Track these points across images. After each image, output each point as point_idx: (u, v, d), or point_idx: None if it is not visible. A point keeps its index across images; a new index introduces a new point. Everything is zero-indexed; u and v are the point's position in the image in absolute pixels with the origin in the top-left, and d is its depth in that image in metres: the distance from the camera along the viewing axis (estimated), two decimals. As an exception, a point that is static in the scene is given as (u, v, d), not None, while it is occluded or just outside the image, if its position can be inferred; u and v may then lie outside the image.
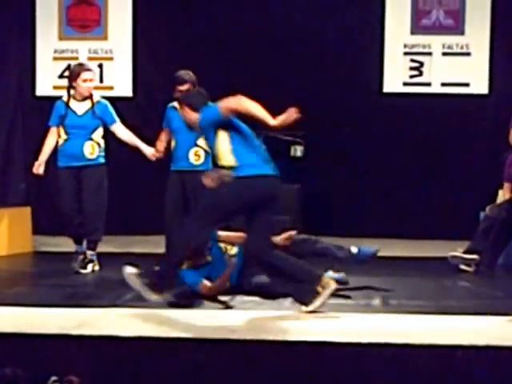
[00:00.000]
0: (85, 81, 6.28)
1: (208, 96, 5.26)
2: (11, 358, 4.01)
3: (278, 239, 5.53)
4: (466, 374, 4.07)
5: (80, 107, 6.31)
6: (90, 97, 6.32)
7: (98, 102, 6.37)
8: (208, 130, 5.02)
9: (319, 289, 4.86)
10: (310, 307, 4.85)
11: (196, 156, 6.19)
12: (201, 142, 6.05)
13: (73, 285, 5.78)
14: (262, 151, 5.07)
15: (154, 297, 4.92)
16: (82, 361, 4.15)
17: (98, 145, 6.32)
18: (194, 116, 5.09)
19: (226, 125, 4.94)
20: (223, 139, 4.94)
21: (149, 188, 8.03)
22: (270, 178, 4.96)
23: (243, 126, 5.05)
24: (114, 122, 6.39)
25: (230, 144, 4.94)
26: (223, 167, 4.95)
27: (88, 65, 6.68)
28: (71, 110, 6.31)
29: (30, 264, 7.02)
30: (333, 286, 4.89)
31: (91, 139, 6.27)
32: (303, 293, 4.95)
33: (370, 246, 5.80)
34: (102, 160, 6.36)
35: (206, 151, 6.11)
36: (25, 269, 6.45)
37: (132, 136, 6.43)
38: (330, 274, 5.60)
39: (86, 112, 6.30)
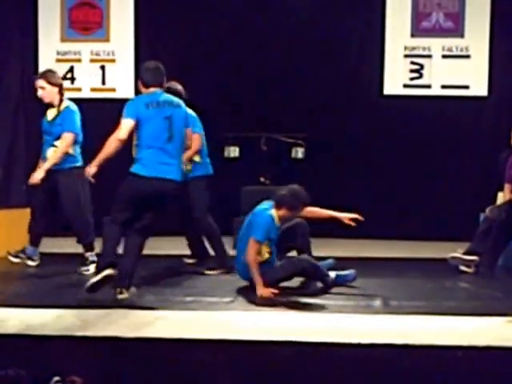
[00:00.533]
0: (36, 89, 6.35)
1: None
2: (13, 358, 4.03)
3: (343, 216, 5.75)
4: (466, 374, 4.08)
5: (50, 113, 6.35)
6: (59, 103, 6.30)
7: (66, 108, 6.31)
8: None
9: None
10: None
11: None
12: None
13: (74, 285, 5.78)
14: (169, 155, 5.12)
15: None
16: (84, 361, 4.17)
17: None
18: (142, 90, 5.33)
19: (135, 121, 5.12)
20: (135, 133, 5.16)
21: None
22: (157, 180, 5.05)
23: (160, 126, 5.12)
24: (66, 130, 6.24)
25: (136, 139, 5.15)
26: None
27: (45, 72, 6.48)
28: (46, 115, 6.38)
29: (31, 265, 7.03)
30: (106, 272, 5.06)
31: (53, 145, 6.26)
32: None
33: (349, 271, 5.79)
34: (70, 165, 6.22)
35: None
36: (25, 269, 6.46)
37: (52, 156, 6.22)
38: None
39: (53, 118, 6.30)
